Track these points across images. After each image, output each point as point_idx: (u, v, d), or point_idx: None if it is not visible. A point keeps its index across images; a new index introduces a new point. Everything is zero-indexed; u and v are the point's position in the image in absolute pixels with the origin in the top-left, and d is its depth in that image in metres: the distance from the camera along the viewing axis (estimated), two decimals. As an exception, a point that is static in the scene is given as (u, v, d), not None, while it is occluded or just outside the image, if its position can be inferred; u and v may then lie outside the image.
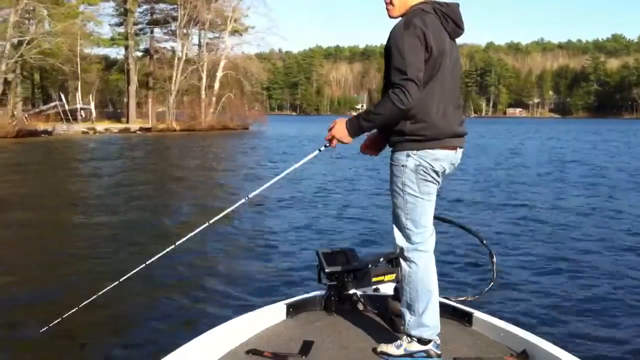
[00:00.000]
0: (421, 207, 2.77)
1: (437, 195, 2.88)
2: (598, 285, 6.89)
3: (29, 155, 26.11)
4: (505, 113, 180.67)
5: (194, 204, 12.96)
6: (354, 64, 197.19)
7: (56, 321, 3.83)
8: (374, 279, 3.58)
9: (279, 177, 3.17)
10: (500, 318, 3.15)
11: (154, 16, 58.51)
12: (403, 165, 2.73)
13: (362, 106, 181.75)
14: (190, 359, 2.61)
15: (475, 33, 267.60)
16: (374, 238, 9.21)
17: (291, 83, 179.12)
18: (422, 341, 2.76)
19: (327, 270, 3.35)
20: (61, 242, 9.14)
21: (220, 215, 3.28)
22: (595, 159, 26.07)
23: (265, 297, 6.05)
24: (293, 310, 3.28)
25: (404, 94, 2.53)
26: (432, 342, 2.76)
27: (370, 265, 3.59)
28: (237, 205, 3.32)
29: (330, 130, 2.79)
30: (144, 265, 3.38)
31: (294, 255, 8.26)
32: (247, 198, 3.25)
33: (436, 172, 2.75)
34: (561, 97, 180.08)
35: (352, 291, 3.42)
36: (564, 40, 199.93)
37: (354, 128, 2.72)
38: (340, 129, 2.75)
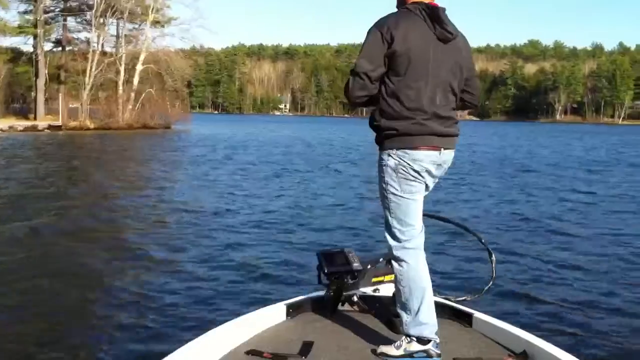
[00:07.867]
0: (405, 206, 2.80)
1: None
2: (598, 286, 6.90)
3: None
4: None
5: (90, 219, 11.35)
6: (277, 63, 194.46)
7: None
8: (373, 280, 3.52)
9: None
10: (500, 318, 3.09)
11: (68, 4, 54.18)
12: (385, 165, 2.80)
13: (285, 105, 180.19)
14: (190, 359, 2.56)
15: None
16: (374, 238, 8.97)
17: (213, 81, 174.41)
18: (422, 341, 2.71)
19: (327, 271, 3.33)
20: None
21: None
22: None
23: (265, 297, 6.08)
24: (293, 310, 3.24)
25: (346, 85, 2.78)
26: (431, 342, 2.71)
27: (370, 266, 3.49)
28: None
29: None
30: None
31: (294, 255, 8.28)
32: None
33: (417, 172, 2.76)
34: (480, 100, 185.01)
35: (352, 292, 3.37)
36: (483, 45, 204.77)
37: None
38: None
